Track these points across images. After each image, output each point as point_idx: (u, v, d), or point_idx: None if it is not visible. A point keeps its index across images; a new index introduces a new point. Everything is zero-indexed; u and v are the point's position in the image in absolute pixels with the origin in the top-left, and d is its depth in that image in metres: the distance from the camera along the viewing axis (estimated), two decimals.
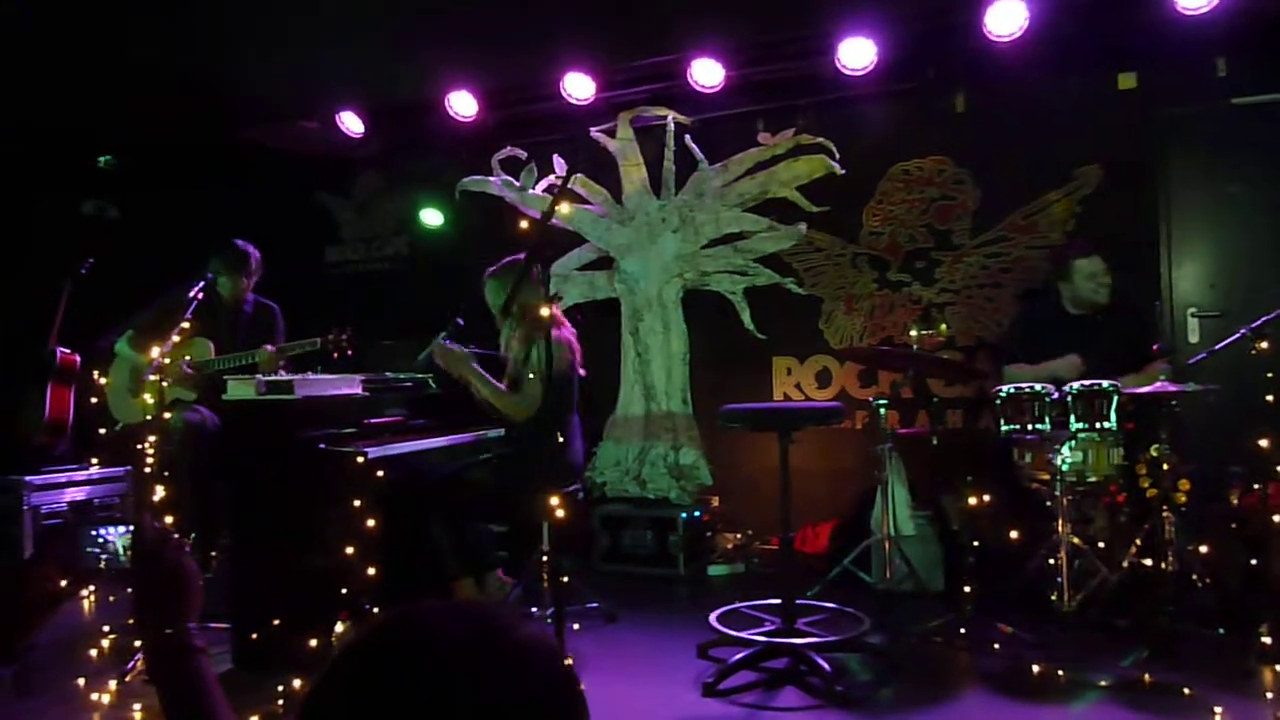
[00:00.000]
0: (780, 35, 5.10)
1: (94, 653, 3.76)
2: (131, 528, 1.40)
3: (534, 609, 3.94)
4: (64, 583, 1.34)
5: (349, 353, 4.26)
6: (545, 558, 3.61)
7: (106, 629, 3.95)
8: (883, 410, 4.31)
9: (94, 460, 5.19)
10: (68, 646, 3.80)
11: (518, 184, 5.97)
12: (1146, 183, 4.90)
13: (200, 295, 3.89)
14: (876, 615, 3.84)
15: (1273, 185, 4.67)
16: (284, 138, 6.25)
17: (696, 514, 5.29)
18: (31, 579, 1.31)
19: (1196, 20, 4.37)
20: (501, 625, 0.85)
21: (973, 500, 4.06)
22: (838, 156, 5.40)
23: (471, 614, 0.86)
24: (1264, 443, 3.48)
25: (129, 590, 1.34)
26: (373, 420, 3.97)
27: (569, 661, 0.87)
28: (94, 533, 1.45)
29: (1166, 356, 3.58)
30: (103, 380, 4.81)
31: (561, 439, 4.00)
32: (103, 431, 4.80)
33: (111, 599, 4.50)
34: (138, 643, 3.56)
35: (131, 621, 1.34)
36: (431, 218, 6.16)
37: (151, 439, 3.64)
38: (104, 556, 1.44)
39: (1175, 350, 4.25)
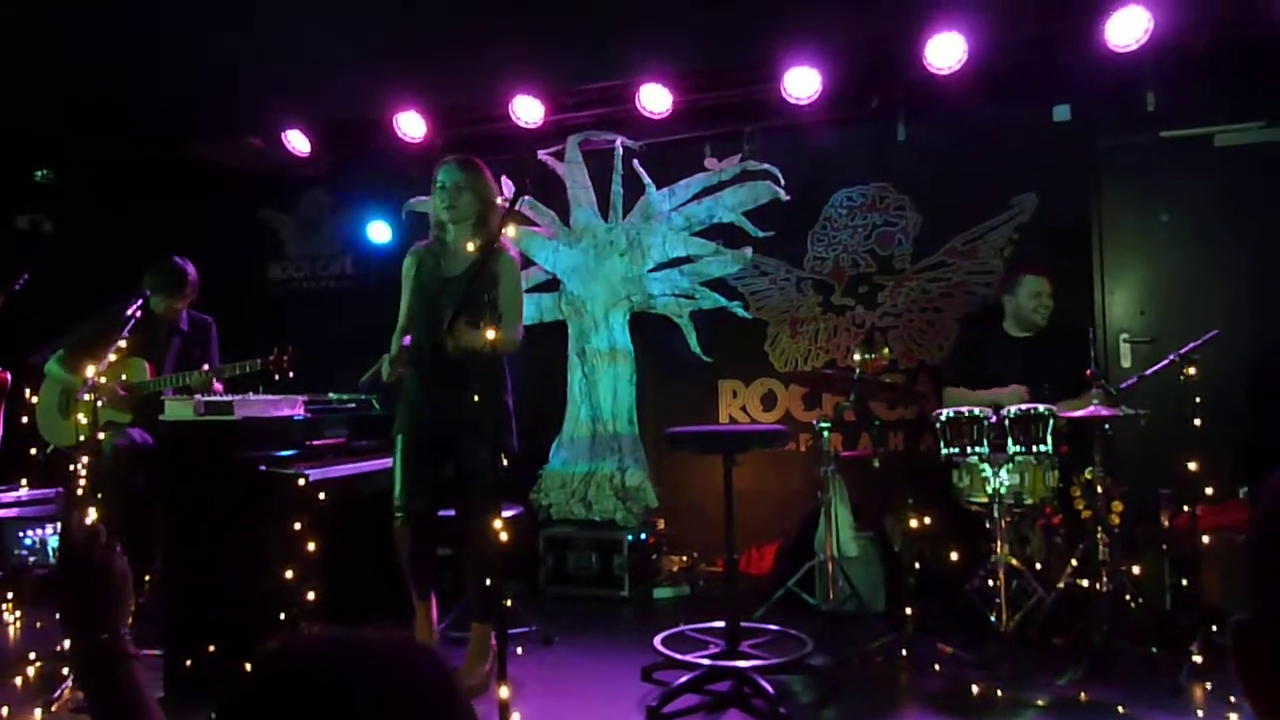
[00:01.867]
0: (727, 63, 5.18)
1: (19, 680, 3.64)
2: (60, 527, 1.35)
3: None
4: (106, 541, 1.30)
5: (290, 374, 4.19)
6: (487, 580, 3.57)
7: (32, 655, 3.83)
8: (826, 433, 4.36)
9: (23, 480, 5.03)
10: None
11: None
12: (1080, 211, 5.05)
13: (139, 313, 3.80)
14: (820, 636, 3.87)
15: (1200, 215, 4.84)
16: (228, 154, 6.16)
17: (642, 536, 5.29)
18: (81, 565, 1.27)
19: (1127, 57, 4.53)
20: (385, 648, 0.85)
21: (914, 522, 4.12)
22: (783, 182, 5.48)
23: (352, 639, 0.86)
24: (1192, 466, 3.58)
25: (56, 591, 1.31)
26: (314, 442, 3.91)
27: (448, 676, 0.87)
28: (22, 533, 1.40)
29: (1099, 381, 3.67)
30: (34, 399, 4.68)
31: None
32: (33, 452, 4.66)
33: (39, 625, 4.36)
34: (65, 670, 3.46)
35: (61, 626, 1.29)
36: (378, 233, 6.11)
37: (84, 460, 3.54)
38: (31, 557, 1.39)
39: (1107, 375, 4.36)
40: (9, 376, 5.00)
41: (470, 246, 3.55)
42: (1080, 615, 3.73)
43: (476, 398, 3.33)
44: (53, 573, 1.38)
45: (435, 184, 3.61)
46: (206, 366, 4.32)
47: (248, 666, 0.85)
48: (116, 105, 5.32)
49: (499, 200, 3.66)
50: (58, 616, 1.28)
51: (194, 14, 4.34)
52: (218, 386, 4.30)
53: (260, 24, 4.47)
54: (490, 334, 2.94)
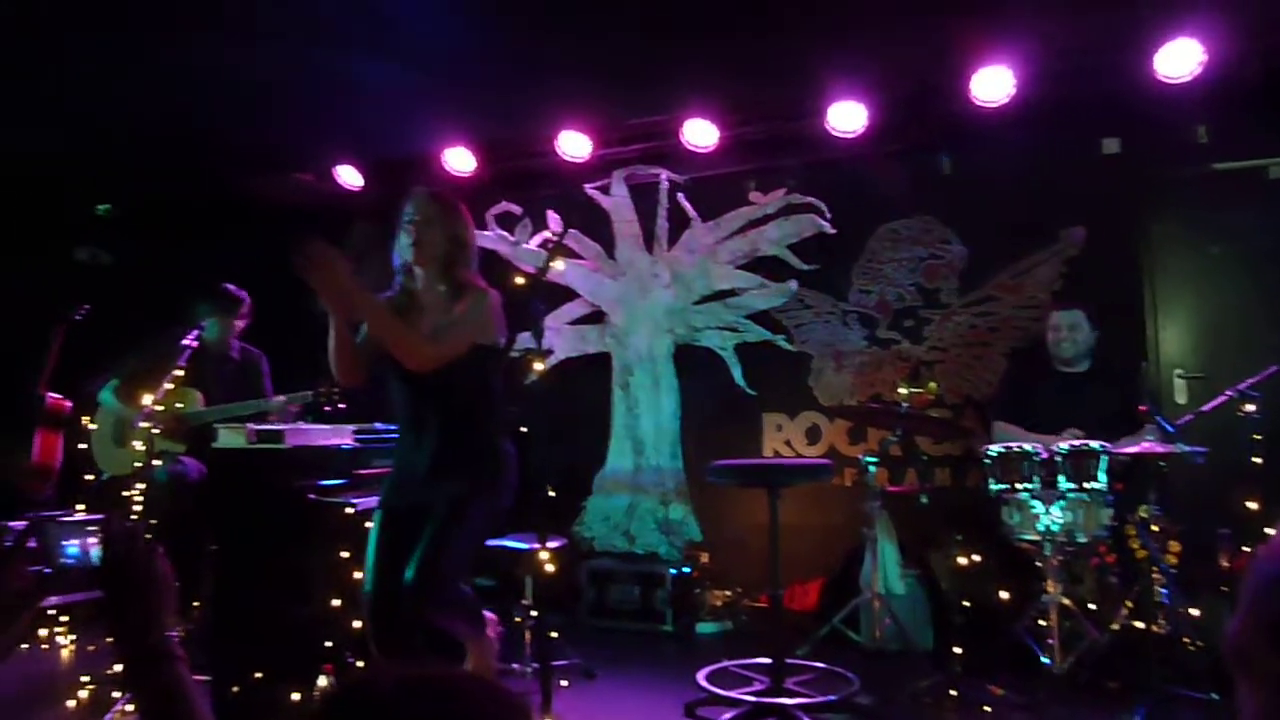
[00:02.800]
0: (772, 97, 5.21)
1: (72, 703, 3.69)
2: (101, 530, 1.38)
3: (514, 664, 3.89)
4: (35, 581, 1.32)
5: (341, 405, 4.25)
6: (532, 612, 3.57)
7: (85, 678, 3.88)
8: (872, 468, 4.32)
9: (79, 506, 5.14)
10: (44, 696, 3.73)
11: (512, 238, 6.03)
12: (1130, 245, 4.98)
13: (195, 344, 3.89)
14: (866, 675, 3.81)
15: (1254, 248, 4.75)
16: (280, 189, 6.31)
17: (685, 570, 5.25)
18: (5, 573, 1.29)
19: (1178, 88, 4.48)
20: (444, 671, 0.86)
21: (962, 559, 4.05)
22: (828, 215, 5.48)
23: (426, 678, 0.87)
24: (1253, 505, 3.49)
25: (100, 595, 1.32)
26: (362, 471, 3.95)
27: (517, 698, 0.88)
28: (65, 542, 1.43)
29: (1154, 417, 3.59)
30: (92, 426, 4.79)
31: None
32: (89, 478, 4.76)
33: (91, 648, 4.43)
34: (116, 693, 3.51)
35: (105, 628, 1.31)
36: None
37: (139, 487, 3.62)
38: (72, 562, 1.41)
39: (1161, 411, 4.27)
40: (69, 405, 5.15)
41: (437, 295, 3.12)
42: (1136, 658, 3.63)
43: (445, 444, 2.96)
44: (96, 572, 1.40)
45: (401, 220, 3.15)
46: (283, 398, 4.38)
47: (324, 697, 0.86)
48: (173, 142, 5.48)
49: (474, 244, 3.24)
50: (101, 618, 1.30)
51: (249, 53, 4.47)
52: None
53: (311, 62, 4.59)
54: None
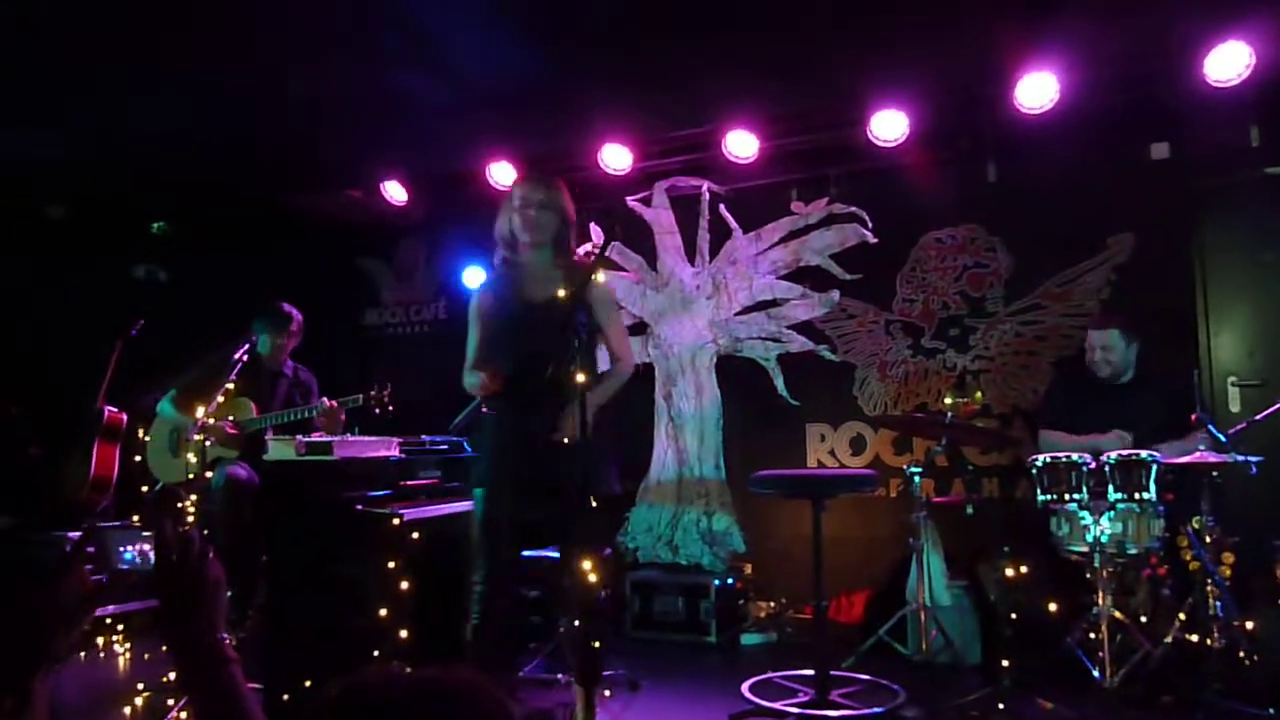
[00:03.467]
0: (813, 107, 5.20)
1: (127, 710, 3.78)
2: (154, 535, 1.40)
3: (560, 675, 3.92)
4: (97, 582, 1.36)
5: (390, 408, 4.32)
6: (577, 622, 3.59)
7: (140, 686, 3.98)
8: (917, 478, 4.28)
9: (135, 518, 5.28)
10: (100, 704, 3.83)
11: None
12: (1181, 252, 4.90)
13: (245, 356, 3.98)
14: (912, 688, 3.77)
15: None
16: (328, 205, 6.44)
17: (729, 581, 5.25)
18: (67, 577, 1.33)
19: (1228, 91, 4.41)
20: (436, 679, 0.89)
21: (1010, 571, 4.00)
22: (870, 225, 5.46)
23: (423, 678, 0.91)
24: None
25: (153, 592, 1.34)
26: (408, 482, 4.01)
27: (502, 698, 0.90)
28: (122, 548, 1.45)
29: (1206, 425, 3.53)
30: (147, 439, 4.92)
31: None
32: (145, 489, 4.89)
33: (146, 656, 4.53)
34: (171, 700, 3.59)
35: (160, 631, 1.34)
36: (473, 278, 6.28)
37: (192, 497, 3.70)
38: (128, 567, 1.44)
39: (1215, 420, 4.19)
40: (125, 417, 5.30)
41: (552, 270, 3.32)
42: (1190, 672, 3.56)
43: (566, 436, 3.11)
44: (151, 576, 1.43)
45: (511, 203, 3.36)
46: (333, 402, 4.46)
47: (327, 697, 0.89)
48: (225, 160, 5.62)
49: (574, 220, 3.43)
50: (156, 623, 1.34)
51: (298, 70, 4.57)
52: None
53: (359, 79, 4.68)
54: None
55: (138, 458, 4.97)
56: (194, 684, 1.28)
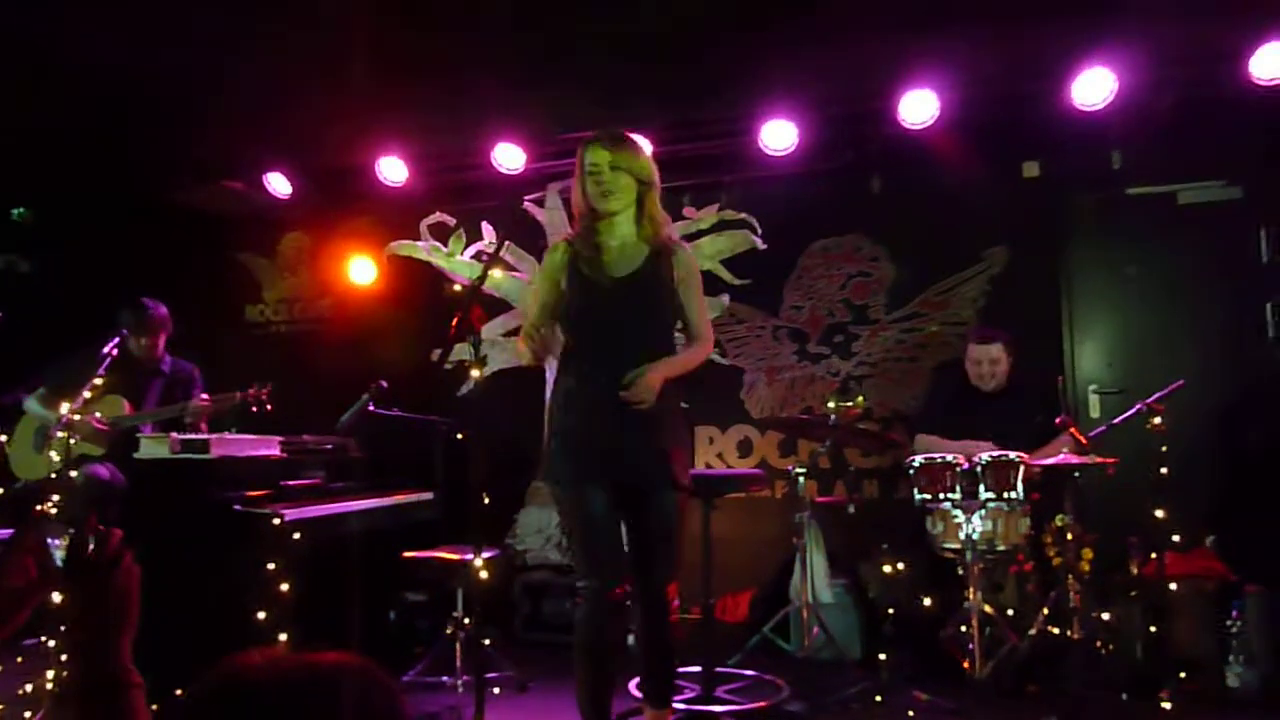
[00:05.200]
0: (706, 115, 5.29)
1: None
2: (72, 534, 1.27)
3: (445, 678, 3.87)
4: (38, 577, 1.25)
5: (268, 408, 4.19)
6: (467, 621, 3.55)
7: None
8: (801, 479, 4.38)
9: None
10: None
11: (445, 249, 6.00)
12: (1049, 265, 5.16)
13: (115, 352, 3.80)
14: (795, 683, 3.86)
15: (1164, 270, 4.96)
16: (207, 198, 6.19)
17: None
18: (5, 568, 1.21)
19: (1094, 115, 4.68)
20: (318, 662, 0.88)
21: (889, 568, 4.14)
22: (759, 232, 5.57)
23: (291, 659, 0.89)
24: (1160, 514, 3.64)
25: (66, 609, 1.23)
26: (290, 482, 3.89)
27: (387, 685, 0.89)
28: (53, 539, 1.33)
29: (1069, 429, 3.73)
30: (2, 437, 4.64)
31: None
32: (0, 491, 4.60)
33: None
34: (28, 713, 3.39)
35: (66, 647, 1.24)
36: (361, 272, 6.15)
37: (55, 497, 3.51)
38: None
39: (1077, 425, 4.43)
40: None
41: (636, 241, 3.03)
42: (1054, 662, 3.75)
43: (660, 428, 2.92)
44: (60, 578, 1.29)
45: (583, 169, 2.98)
46: (206, 397, 4.30)
47: (196, 688, 0.86)
48: (96, 147, 5.35)
49: (658, 182, 3.07)
50: (60, 638, 1.25)
51: (174, 58, 4.39)
52: (202, 427, 4.32)
53: (240, 68, 4.53)
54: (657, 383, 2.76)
55: None
56: (88, 711, 1.17)
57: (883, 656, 3.89)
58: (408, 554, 4.17)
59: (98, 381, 3.67)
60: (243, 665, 0.87)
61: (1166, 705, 3.40)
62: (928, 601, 4.05)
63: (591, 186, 2.95)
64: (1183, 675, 3.57)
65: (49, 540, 1.29)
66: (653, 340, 2.97)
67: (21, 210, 6.28)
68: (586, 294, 2.98)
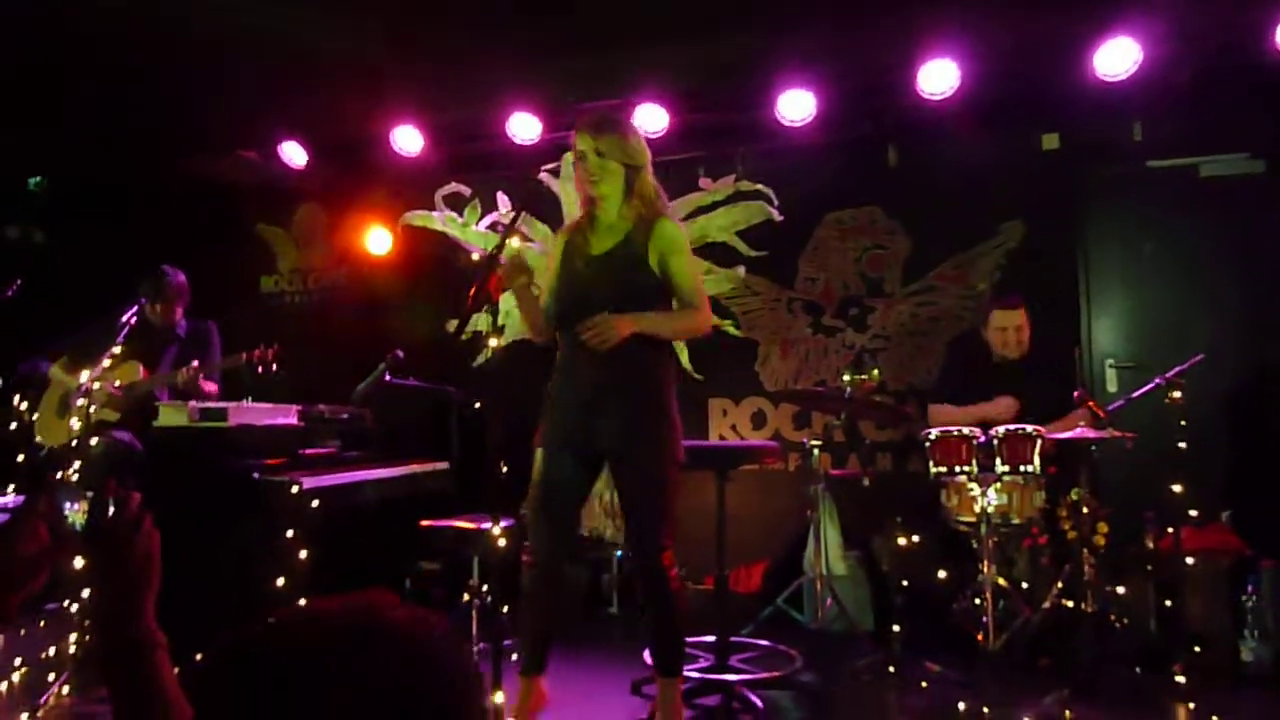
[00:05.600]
0: (723, 85, 5.24)
1: (3, 688, 3.61)
2: (92, 499, 1.27)
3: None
4: (52, 542, 1.25)
5: (273, 368, 4.19)
6: (485, 589, 3.58)
7: (18, 662, 3.80)
8: (816, 452, 4.39)
9: (11, 486, 5.01)
10: None
11: (461, 220, 6.00)
12: (1067, 239, 5.12)
13: (134, 320, 3.82)
14: (808, 654, 3.89)
15: (1185, 244, 4.92)
16: (223, 168, 6.19)
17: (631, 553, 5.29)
18: (17, 538, 1.21)
19: (1115, 87, 4.61)
20: (378, 613, 0.84)
21: (902, 541, 4.15)
22: (775, 203, 5.54)
23: (347, 608, 0.85)
24: (1176, 488, 3.63)
25: (87, 574, 1.24)
26: (307, 451, 3.92)
27: (461, 643, 0.87)
28: (67, 505, 1.33)
29: (1086, 402, 3.72)
30: (23, 405, 4.67)
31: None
32: (20, 458, 4.65)
33: (23, 632, 4.32)
34: (51, 676, 3.44)
35: (91, 610, 1.23)
36: (377, 242, 6.15)
37: (76, 464, 3.54)
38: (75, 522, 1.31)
39: (1094, 398, 4.42)
40: None
41: (618, 221, 3.06)
42: (1066, 636, 3.76)
43: (638, 402, 2.96)
44: (82, 543, 1.30)
45: (575, 156, 3.07)
46: (196, 363, 4.32)
47: (240, 642, 0.83)
48: (111, 117, 5.34)
49: (648, 162, 3.10)
50: (84, 602, 1.24)
51: (189, 27, 4.37)
52: (210, 387, 4.34)
53: (256, 38, 4.51)
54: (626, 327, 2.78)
55: (14, 425, 4.71)
56: (115, 671, 1.18)
57: (895, 629, 3.91)
58: (425, 523, 4.20)
59: (116, 350, 3.68)
60: (280, 626, 0.85)
61: (1180, 679, 3.42)
62: (941, 575, 4.06)
63: (579, 173, 3.05)
64: (1196, 650, 3.58)
65: (63, 506, 1.29)
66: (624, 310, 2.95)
67: (38, 180, 6.30)
68: (567, 273, 3.10)
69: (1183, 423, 3.60)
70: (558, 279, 3.15)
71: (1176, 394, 3.64)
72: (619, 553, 5.19)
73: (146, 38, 4.48)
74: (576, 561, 5.21)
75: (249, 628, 0.83)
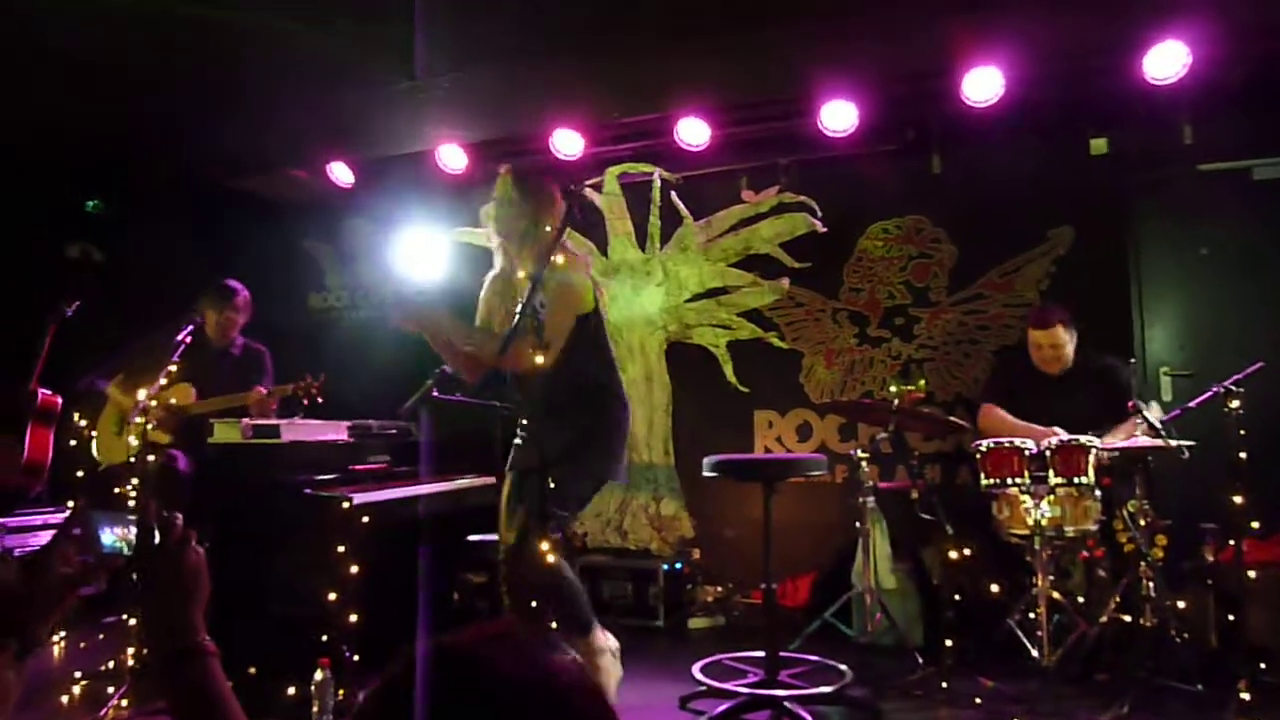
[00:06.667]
0: (764, 96, 5.23)
1: (65, 699, 3.69)
2: (138, 520, 1.32)
3: None
4: (82, 566, 1.29)
5: (319, 399, 4.27)
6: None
7: (78, 674, 3.88)
8: (864, 464, 4.35)
9: (70, 503, 5.13)
10: (37, 693, 3.72)
11: None
12: (1118, 245, 5.04)
13: (189, 338, 3.90)
14: (858, 668, 3.84)
15: (1239, 249, 4.81)
16: (273, 186, 6.31)
17: (677, 566, 5.28)
18: (50, 562, 1.26)
19: (1165, 90, 4.53)
20: (548, 657, 0.84)
21: (953, 554, 4.09)
22: (819, 214, 5.52)
23: (518, 647, 0.84)
24: (1238, 499, 3.54)
25: (137, 592, 1.28)
26: (357, 466, 3.97)
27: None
28: (103, 529, 1.38)
29: (1142, 412, 3.64)
30: (82, 423, 4.79)
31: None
32: (80, 475, 4.76)
33: (83, 644, 4.42)
34: (110, 689, 3.51)
35: (142, 626, 1.27)
36: (424, 259, 6.23)
37: (133, 482, 3.62)
38: (109, 551, 1.35)
39: (1149, 407, 4.33)
40: (59, 400, 5.14)
41: (521, 273, 3.37)
42: (1124, 651, 3.69)
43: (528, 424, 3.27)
44: (129, 561, 1.34)
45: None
46: (263, 388, 4.41)
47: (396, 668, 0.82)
48: (165, 137, 5.47)
49: (555, 217, 3.43)
50: (138, 617, 1.28)
51: (239, 48, 4.46)
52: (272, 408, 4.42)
53: (303, 58, 4.59)
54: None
55: (73, 442, 4.83)
56: (169, 681, 1.22)
57: (947, 643, 3.85)
58: (471, 537, 4.23)
59: (172, 368, 3.76)
60: (462, 643, 0.84)
61: (1244, 696, 3.32)
62: (993, 588, 4.00)
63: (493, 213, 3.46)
64: (1261, 665, 3.48)
65: (98, 531, 1.34)
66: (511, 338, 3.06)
67: (96, 202, 6.46)
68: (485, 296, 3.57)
69: (1242, 432, 3.51)
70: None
71: (1235, 402, 3.55)
72: (664, 566, 5.17)
73: (198, 54, 4.57)
74: (620, 575, 5.22)
75: (396, 671, 0.82)
